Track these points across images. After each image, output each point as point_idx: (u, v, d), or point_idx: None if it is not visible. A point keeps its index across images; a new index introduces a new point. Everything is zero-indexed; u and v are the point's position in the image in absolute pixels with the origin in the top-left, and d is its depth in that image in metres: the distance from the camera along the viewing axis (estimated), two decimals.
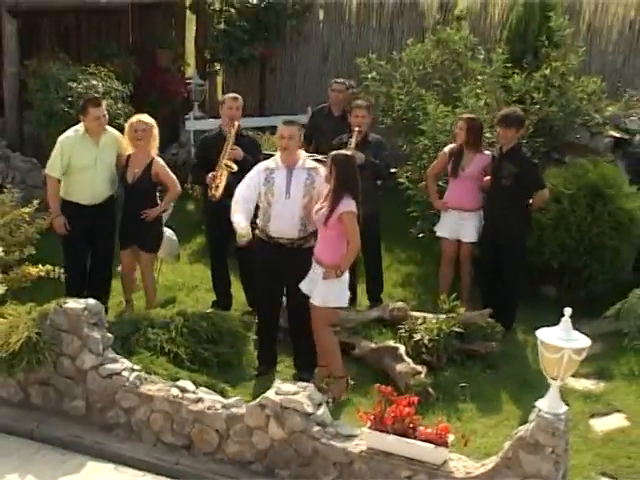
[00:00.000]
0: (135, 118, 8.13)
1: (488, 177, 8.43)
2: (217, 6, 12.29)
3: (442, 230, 8.72)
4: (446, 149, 8.69)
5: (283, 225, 7.24)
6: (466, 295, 8.52)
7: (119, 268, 8.48)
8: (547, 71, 9.49)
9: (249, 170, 7.56)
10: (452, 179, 8.60)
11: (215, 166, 8.06)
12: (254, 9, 12.07)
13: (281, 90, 12.69)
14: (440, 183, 8.93)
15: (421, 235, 9.43)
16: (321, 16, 12.52)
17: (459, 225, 8.57)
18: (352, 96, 9.45)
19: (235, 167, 7.91)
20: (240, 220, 7.10)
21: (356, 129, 8.28)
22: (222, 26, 12.14)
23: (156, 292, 8.50)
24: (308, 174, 7.25)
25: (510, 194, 8.18)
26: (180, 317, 7.62)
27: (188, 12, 12.74)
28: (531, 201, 8.36)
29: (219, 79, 13.20)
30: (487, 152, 8.53)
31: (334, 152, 7.18)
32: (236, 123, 8.18)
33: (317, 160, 7.48)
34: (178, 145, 11.94)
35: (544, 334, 5.58)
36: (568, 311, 5.56)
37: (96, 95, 9.39)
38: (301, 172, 7.26)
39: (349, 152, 7.47)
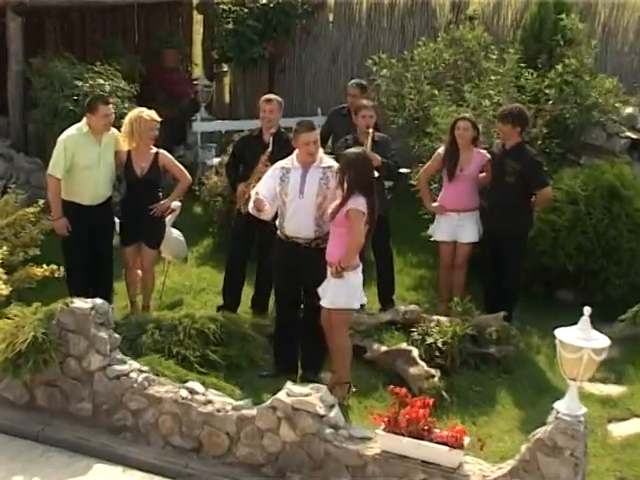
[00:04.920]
0: (147, 115, 7.94)
1: (484, 174, 8.39)
2: (226, 6, 12.30)
3: (440, 234, 8.58)
4: (440, 150, 8.57)
5: (298, 225, 7.22)
6: (461, 295, 8.33)
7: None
8: (560, 68, 9.51)
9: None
10: (449, 181, 8.44)
11: (248, 167, 8.02)
12: (264, 8, 12.08)
13: (290, 91, 12.63)
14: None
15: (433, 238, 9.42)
16: (331, 17, 12.53)
17: (457, 227, 8.46)
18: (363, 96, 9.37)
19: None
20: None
21: (370, 131, 8.21)
22: (231, 26, 12.15)
23: (154, 288, 8.50)
24: (323, 172, 7.18)
25: (513, 191, 8.14)
26: (188, 319, 7.61)
27: (195, 12, 12.81)
28: (533, 199, 8.32)
29: (227, 80, 13.22)
30: (482, 150, 8.47)
31: (346, 151, 7.15)
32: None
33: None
34: (184, 147, 11.93)
35: (563, 334, 5.58)
36: (587, 310, 5.57)
37: (104, 94, 9.42)
38: (316, 171, 7.20)
39: (361, 149, 7.42)
